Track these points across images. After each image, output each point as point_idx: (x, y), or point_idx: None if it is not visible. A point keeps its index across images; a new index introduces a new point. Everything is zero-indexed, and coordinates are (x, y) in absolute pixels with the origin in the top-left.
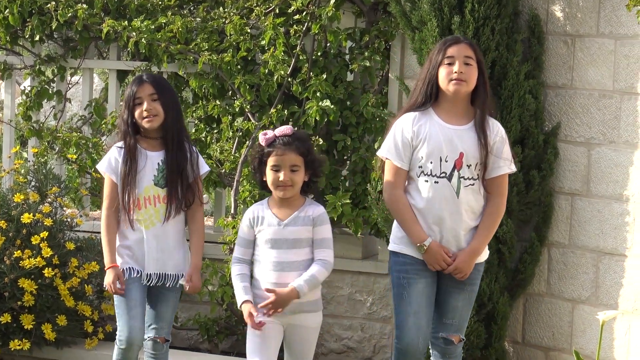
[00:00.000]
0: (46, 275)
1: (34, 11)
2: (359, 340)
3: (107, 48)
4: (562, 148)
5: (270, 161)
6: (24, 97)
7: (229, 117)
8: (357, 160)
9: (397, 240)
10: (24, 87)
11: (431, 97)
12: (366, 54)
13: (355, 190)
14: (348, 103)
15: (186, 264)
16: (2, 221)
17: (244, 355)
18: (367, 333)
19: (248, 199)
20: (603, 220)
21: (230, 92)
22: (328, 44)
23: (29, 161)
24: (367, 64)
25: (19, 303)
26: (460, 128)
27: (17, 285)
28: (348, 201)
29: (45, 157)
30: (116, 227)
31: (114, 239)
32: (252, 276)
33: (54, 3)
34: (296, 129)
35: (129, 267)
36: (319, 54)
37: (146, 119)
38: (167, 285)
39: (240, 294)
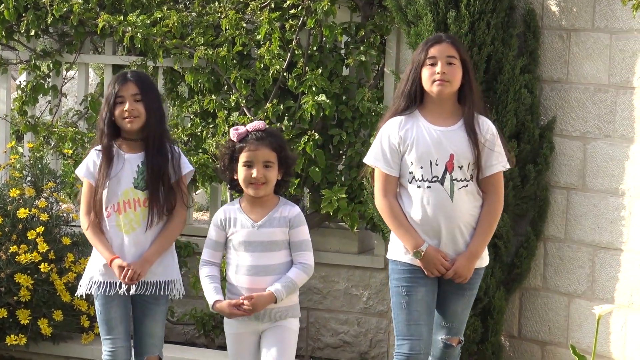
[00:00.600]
0: (42, 270)
1: (29, 6)
2: (355, 334)
3: (103, 43)
4: (557, 142)
5: (243, 157)
6: (20, 92)
7: (225, 112)
8: (352, 155)
9: (395, 248)
10: (20, 82)
11: (416, 99)
12: (362, 48)
13: (351, 184)
14: (344, 97)
15: (173, 271)
16: None
17: None
18: (363, 327)
19: None
20: (599, 214)
21: (225, 86)
22: (324, 39)
23: (25, 156)
24: (363, 59)
25: (15, 298)
26: (448, 129)
27: (13, 280)
28: (344, 196)
29: (41, 152)
30: (97, 225)
31: (102, 236)
32: (223, 279)
33: None
34: (291, 124)
35: (107, 282)
36: (314, 48)
37: (127, 119)
38: (150, 293)
39: (212, 294)
